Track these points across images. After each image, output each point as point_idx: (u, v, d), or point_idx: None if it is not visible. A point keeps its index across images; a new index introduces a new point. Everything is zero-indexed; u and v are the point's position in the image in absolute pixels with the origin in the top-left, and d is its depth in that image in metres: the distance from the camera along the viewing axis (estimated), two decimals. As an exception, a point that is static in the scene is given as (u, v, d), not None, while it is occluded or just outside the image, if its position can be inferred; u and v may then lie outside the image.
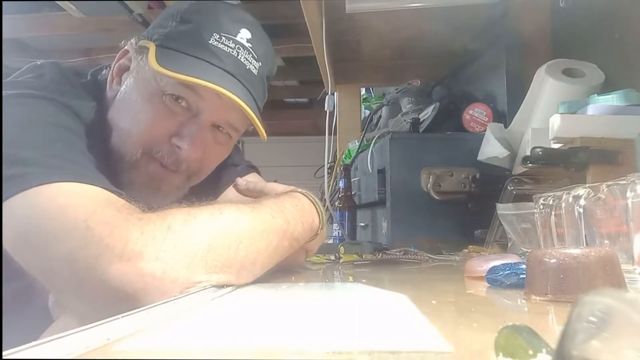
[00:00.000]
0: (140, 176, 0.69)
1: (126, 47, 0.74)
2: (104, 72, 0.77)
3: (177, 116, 0.68)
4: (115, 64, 0.74)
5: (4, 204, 0.52)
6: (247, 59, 0.70)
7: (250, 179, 0.85)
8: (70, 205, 0.51)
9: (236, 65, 0.68)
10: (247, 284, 0.55)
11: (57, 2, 2.17)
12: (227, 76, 0.67)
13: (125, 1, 2.15)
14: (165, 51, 0.67)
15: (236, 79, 0.68)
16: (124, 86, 0.71)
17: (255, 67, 0.71)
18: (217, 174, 0.84)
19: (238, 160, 0.92)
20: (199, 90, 0.67)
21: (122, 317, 0.35)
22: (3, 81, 0.66)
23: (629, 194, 0.47)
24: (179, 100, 0.68)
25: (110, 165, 0.69)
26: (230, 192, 0.84)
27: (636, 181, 0.47)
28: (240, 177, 0.84)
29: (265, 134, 0.73)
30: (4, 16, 2.33)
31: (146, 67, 0.68)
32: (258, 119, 0.71)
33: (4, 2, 2.22)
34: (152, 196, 0.70)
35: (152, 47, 0.67)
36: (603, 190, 0.53)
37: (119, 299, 0.47)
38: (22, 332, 0.58)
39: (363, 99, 2.13)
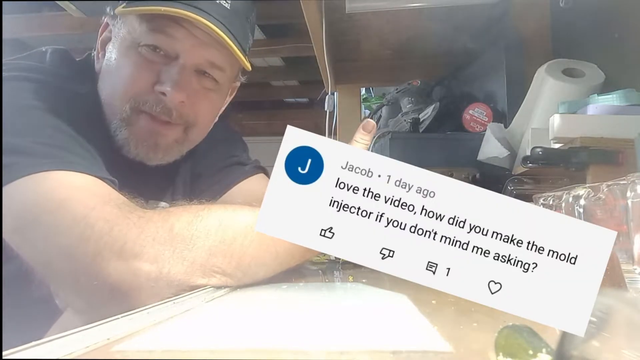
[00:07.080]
0: (134, 132, 0.68)
1: (106, 21, 0.74)
2: (93, 54, 0.77)
3: (156, 64, 0.67)
4: (99, 40, 0.74)
5: None
6: None
7: (258, 180, 0.83)
8: (71, 199, 0.50)
9: None
10: (246, 285, 0.55)
11: (57, 2, 2.17)
12: (191, 8, 0.65)
13: (125, 1, 2.15)
14: (133, 2, 0.67)
15: (202, 10, 0.66)
16: (107, 55, 0.72)
17: (226, 2, 0.69)
18: (221, 172, 0.83)
19: (245, 159, 0.88)
20: (172, 32, 0.66)
21: (122, 317, 0.35)
22: (7, 59, 0.66)
23: (629, 194, 0.47)
24: (157, 50, 0.67)
25: (108, 136, 0.68)
26: (235, 192, 0.82)
27: (636, 181, 0.47)
28: (247, 178, 0.82)
29: (248, 64, 0.72)
30: (4, 16, 2.33)
31: (121, 29, 0.69)
32: (239, 49, 0.68)
33: (4, 2, 2.22)
34: (153, 153, 0.69)
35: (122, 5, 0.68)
36: (603, 190, 0.53)
37: (114, 297, 0.47)
38: (24, 318, 0.57)
39: (363, 99, 2.13)
